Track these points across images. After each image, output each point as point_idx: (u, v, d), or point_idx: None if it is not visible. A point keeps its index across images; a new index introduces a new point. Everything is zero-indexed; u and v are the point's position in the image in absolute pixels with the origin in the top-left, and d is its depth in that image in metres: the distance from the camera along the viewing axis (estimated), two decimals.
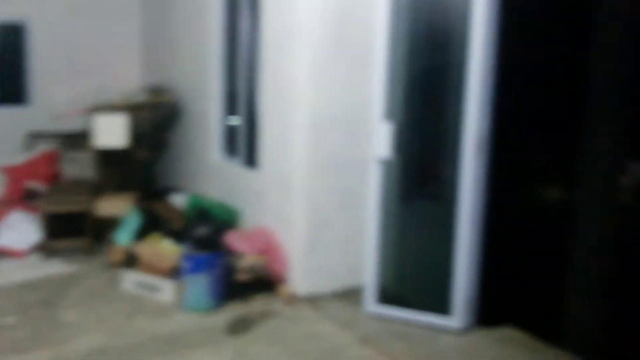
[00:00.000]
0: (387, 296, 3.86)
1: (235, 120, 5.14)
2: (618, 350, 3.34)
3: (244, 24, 4.93)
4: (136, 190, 5.54)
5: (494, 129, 3.68)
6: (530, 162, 5.10)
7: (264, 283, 4.17)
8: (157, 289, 4.14)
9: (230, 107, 5.24)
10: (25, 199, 5.65)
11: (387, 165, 3.78)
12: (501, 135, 3.91)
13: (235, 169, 5.06)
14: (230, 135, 5.27)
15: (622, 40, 4.20)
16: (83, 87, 6.51)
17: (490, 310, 3.74)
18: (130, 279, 4.28)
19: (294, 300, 4.08)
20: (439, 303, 3.66)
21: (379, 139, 3.75)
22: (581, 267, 4.29)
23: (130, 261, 4.49)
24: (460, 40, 3.51)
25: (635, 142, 4.20)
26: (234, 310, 3.94)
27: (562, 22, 4.61)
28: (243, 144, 4.98)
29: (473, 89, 3.47)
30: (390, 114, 3.73)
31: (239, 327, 3.72)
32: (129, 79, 6.88)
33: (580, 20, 4.41)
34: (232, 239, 4.30)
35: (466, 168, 3.53)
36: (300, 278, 4.13)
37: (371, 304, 3.87)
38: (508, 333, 3.69)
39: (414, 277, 3.88)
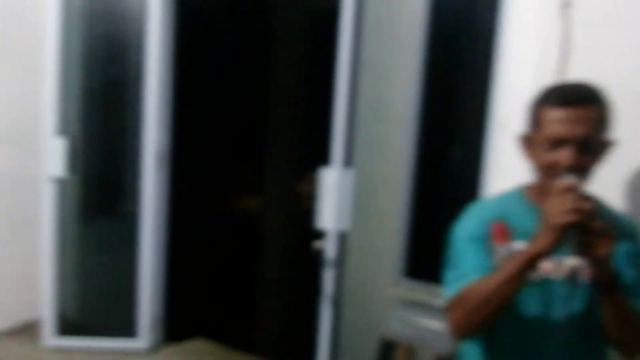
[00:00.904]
0: (70, 326, 3.54)
1: None
2: (300, 353, 3.58)
3: None
4: None
5: (179, 143, 3.66)
6: (220, 175, 5.26)
7: None
8: None
9: None
10: None
11: (62, 184, 3.48)
12: (187, 150, 3.93)
13: None
14: None
15: (294, 56, 4.61)
16: None
17: (180, 326, 3.71)
18: None
19: None
20: (125, 326, 3.50)
21: (52, 156, 3.44)
22: (266, 275, 4.57)
23: None
24: (137, 54, 3.42)
25: (312, 151, 4.63)
26: None
27: (242, 40, 4.86)
28: None
29: (150, 102, 3.40)
30: (64, 129, 3.45)
31: None
32: None
33: (259, 35, 4.71)
34: None
35: (147, 183, 3.44)
36: None
37: (50, 338, 3.51)
38: (198, 346, 3.70)
39: (98, 302, 3.64)
